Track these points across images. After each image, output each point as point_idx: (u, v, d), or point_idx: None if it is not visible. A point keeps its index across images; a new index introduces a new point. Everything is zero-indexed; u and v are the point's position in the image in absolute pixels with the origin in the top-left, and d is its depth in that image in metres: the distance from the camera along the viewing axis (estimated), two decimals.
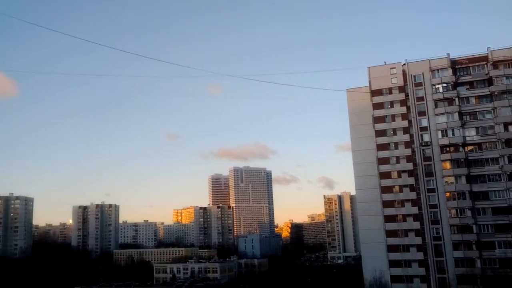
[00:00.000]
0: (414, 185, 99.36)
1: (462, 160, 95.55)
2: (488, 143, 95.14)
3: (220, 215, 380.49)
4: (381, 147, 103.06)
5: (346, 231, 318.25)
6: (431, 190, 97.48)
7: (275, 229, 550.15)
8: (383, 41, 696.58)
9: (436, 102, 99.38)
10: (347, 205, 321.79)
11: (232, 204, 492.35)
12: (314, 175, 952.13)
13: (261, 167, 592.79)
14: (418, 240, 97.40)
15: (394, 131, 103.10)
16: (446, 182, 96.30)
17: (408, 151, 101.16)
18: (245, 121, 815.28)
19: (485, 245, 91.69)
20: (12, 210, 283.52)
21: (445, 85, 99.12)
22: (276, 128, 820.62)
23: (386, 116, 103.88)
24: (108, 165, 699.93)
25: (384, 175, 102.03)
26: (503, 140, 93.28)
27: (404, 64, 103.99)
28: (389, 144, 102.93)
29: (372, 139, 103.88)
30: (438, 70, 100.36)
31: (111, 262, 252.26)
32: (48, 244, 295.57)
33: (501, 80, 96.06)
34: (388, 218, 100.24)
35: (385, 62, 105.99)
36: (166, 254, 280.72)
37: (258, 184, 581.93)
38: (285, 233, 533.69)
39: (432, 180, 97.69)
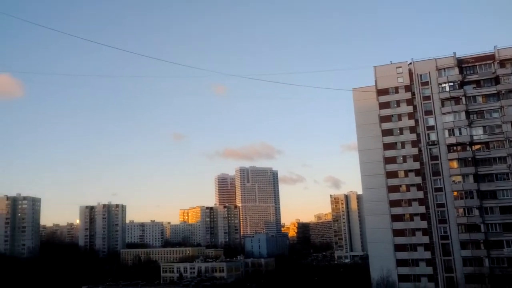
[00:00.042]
0: (421, 184, 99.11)
1: (470, 159, 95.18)
2: (495, 142, 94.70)
3: (226, 215, 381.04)
4: (387, 146, 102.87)
5: (353, 231, 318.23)
6: (438, 189, 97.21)
7: (282, 229, 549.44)
8: (384, 41, 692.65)
9: (443, 101, 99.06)
10: (354, 205, 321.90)
11: (239, 204, 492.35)
12: (321, 174, 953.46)
13: (267, 167, 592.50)
14: (425, 239, 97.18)
15: (401, 130, 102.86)
16: (453, 181, 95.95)
17: (415, 150, 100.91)
18: (250, 121, 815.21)
19: (493, 244, 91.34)
20: (20, 210, 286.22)
21: (451, 84, 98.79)
22: (281, 128, 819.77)
23: (392, 115, 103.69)
24: (114, 166, 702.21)
25: (391, 175, 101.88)
26: (511, 139, 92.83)
27: (410, 63, 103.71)
28: (395, 143, 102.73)
29: (378, 138, 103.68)
30: (444, 69, 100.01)
31: (118, 261, 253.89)
32: (56, 244, 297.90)
33: (508, 79, 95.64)
34: (395, 218, 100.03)
35: (391, 62, 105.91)
36: (173, 254, 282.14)
37: (265, 183, 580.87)
38: (292, 233, 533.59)
39: (439, 179, 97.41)
